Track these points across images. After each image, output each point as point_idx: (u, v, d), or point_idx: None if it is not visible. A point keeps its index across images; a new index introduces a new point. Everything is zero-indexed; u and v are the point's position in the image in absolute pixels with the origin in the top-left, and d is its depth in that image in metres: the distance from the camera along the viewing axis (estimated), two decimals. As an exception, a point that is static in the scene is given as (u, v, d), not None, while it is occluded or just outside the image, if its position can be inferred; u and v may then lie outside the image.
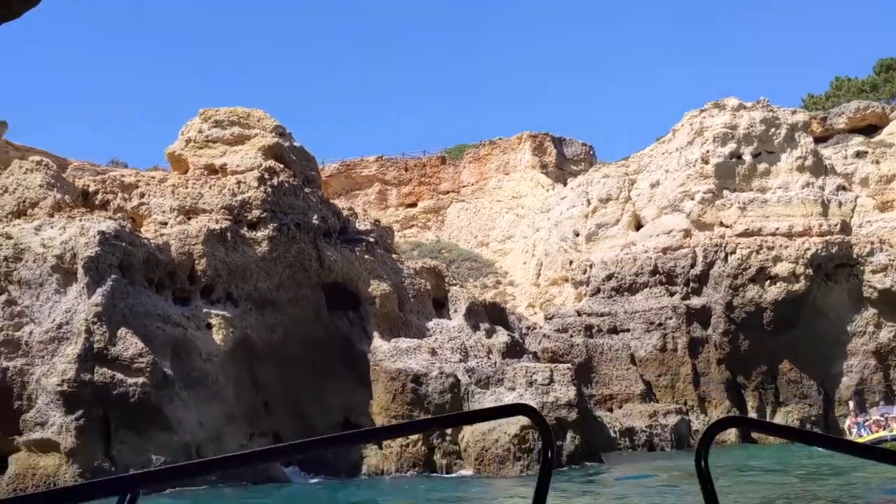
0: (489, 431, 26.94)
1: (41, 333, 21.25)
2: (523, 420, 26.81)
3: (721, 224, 42.36)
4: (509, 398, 27.59)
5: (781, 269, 39.27)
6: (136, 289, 23.34)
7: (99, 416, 20.32)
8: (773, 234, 40.56)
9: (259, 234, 28.48)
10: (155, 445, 20.95)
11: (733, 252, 40.64)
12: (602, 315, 42.41)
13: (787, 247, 39.70)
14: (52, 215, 24.23)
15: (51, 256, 22.36)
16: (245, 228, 28.41)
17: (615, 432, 35.82)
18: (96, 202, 27.51)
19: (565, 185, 55.95)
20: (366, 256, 31.35)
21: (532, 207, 58.32)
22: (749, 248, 40.23)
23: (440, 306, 34.04)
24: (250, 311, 27.82)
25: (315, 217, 30.19)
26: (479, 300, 35.36)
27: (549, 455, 2.36)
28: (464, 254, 63.90)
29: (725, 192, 42.61)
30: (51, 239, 22.89)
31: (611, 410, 39.48)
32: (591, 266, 44.72)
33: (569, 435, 26.26)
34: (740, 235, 41.17)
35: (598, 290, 43.76)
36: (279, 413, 28.00)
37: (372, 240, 32.60)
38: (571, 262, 47.14)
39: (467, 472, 26.69)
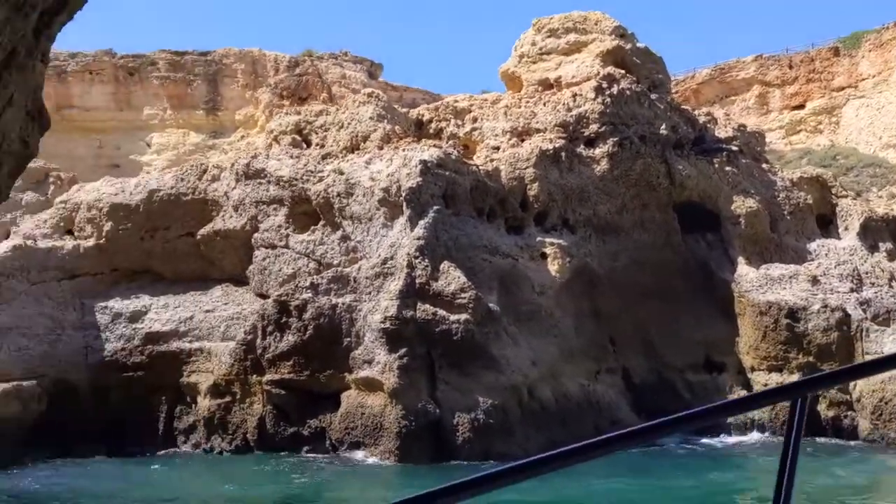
0: (889, 380, 21.42)
1: (368, 269, 20.77)
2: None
3: None
4: (918, 339, 21.64)
5: None
6: (460, 219, 21.93)
7: (422, 354, 19.32)
8: None
9: (597, 151, 25.49)
10: (481, 386, 19.48)
11: None
12: None
13: None
14: (381, 147, 23.73)
15: (377, 190, 21.77)
16: (582, 146, 25.61)
17: None
18: (430, 131, 26.66)
19: None
20: (727, 168, 26.74)
21: (955, 95, 47.17)
22: None
23: (826, 224, 28.18)
24: (589, 237, 25.15)
25: (663, 126, 26.31)
26: (879, 214, 28.63)
27: None
28: (864, 159, 54.41)
29: None
30: (378, 172, 22.31)
31: None
32: None
33: None
34: None
35: None
36: (627, 348, 25.19)
37: (735, 148, 27.76)
38: None
39: (862, 426, 21.63)
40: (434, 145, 23.17)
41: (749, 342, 23.99)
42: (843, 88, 59.04)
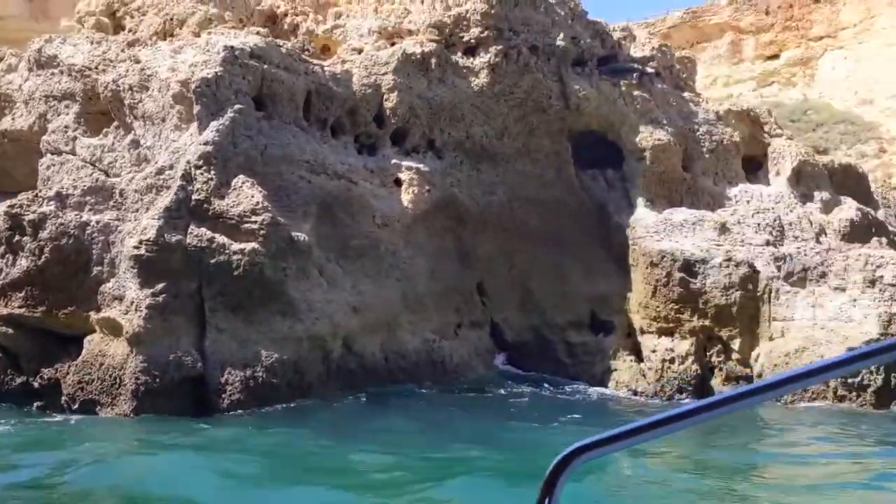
0: (797, 352, 17.40)
1: (140, 180, 16.31)
2: (850, 333, 16.77)
3: None
4: (834, 304, 17.53)
5: None
6: (275, 125, 17.43)
7: (189, 292, 14.99)
8: None
9: (477, 60, 20.95)
10: (267, 336, 15.23)
11: None
12: None
13: None
14: (197, 34, 19.11)
15: (174, 83, 17.21)
16: (459, 54, 21.05)
17: None
18: (284, 27, 22.02)
19: None
20: (636, 93, 22.25)
21: (935, 45, 42.84)
22: None
23: (756, 167, 23.89)
24: (460, 164, 20.75)
25: (561, 37, 21.74)
26: (818, 160, 24.35)
27: None
28: (837, 115, 50.70)
29: None
30: (183, 62, 17.73)
31: None
32: None
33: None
34: None
35: None
36: (500, 299, 21.02)
37: (651, 70, 23.24)
38: None
39: (761, 407, 17.59)
40: (256, 32, 18.58)
41: (639, 299, 19.84)
42: (821, 38, 55.27)
